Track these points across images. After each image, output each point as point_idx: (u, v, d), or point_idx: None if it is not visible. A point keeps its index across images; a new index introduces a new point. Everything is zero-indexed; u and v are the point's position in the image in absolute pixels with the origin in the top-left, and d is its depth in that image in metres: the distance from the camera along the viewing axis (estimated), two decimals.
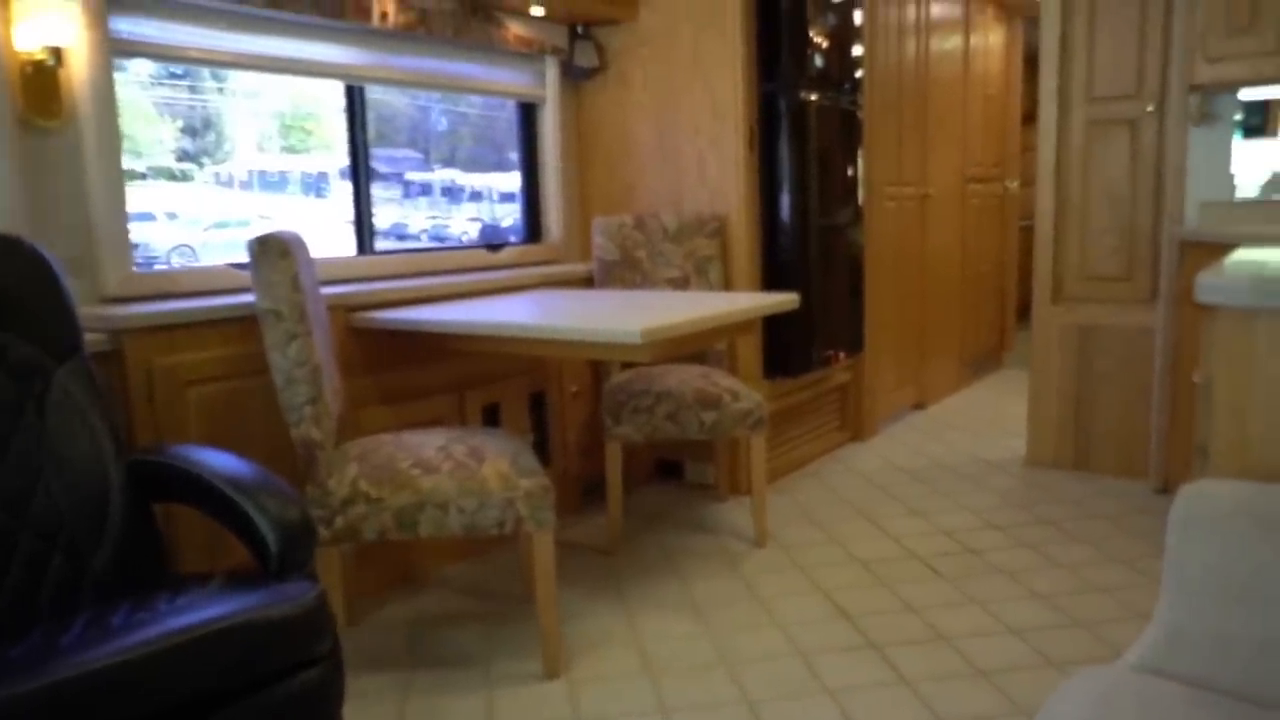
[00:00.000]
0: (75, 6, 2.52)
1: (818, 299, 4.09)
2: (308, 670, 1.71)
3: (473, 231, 4.26)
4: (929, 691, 2.38)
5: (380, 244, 3.60)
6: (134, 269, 2.74)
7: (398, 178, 3.90)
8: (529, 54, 3.97)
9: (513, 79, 3.97)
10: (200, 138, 3.29)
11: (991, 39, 6.09)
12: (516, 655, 2.64)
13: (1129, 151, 3.96)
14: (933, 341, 5.49)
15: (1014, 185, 6.59)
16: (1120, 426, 4.05)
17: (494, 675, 2.53)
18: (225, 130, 3.38)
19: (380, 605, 2.98)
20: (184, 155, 3.23)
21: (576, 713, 2.34)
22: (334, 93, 3.44)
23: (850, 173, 4.35)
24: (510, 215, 4.27)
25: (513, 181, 4.23)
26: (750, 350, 3.54)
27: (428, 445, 2.53)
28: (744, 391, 3.37)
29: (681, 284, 3.82)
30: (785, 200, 3.93)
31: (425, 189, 4.07)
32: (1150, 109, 3.89)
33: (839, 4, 4.17)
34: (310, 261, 2.58)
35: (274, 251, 2.31)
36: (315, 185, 3.73)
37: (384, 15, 3.31)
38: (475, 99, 4.09)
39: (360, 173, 3.47)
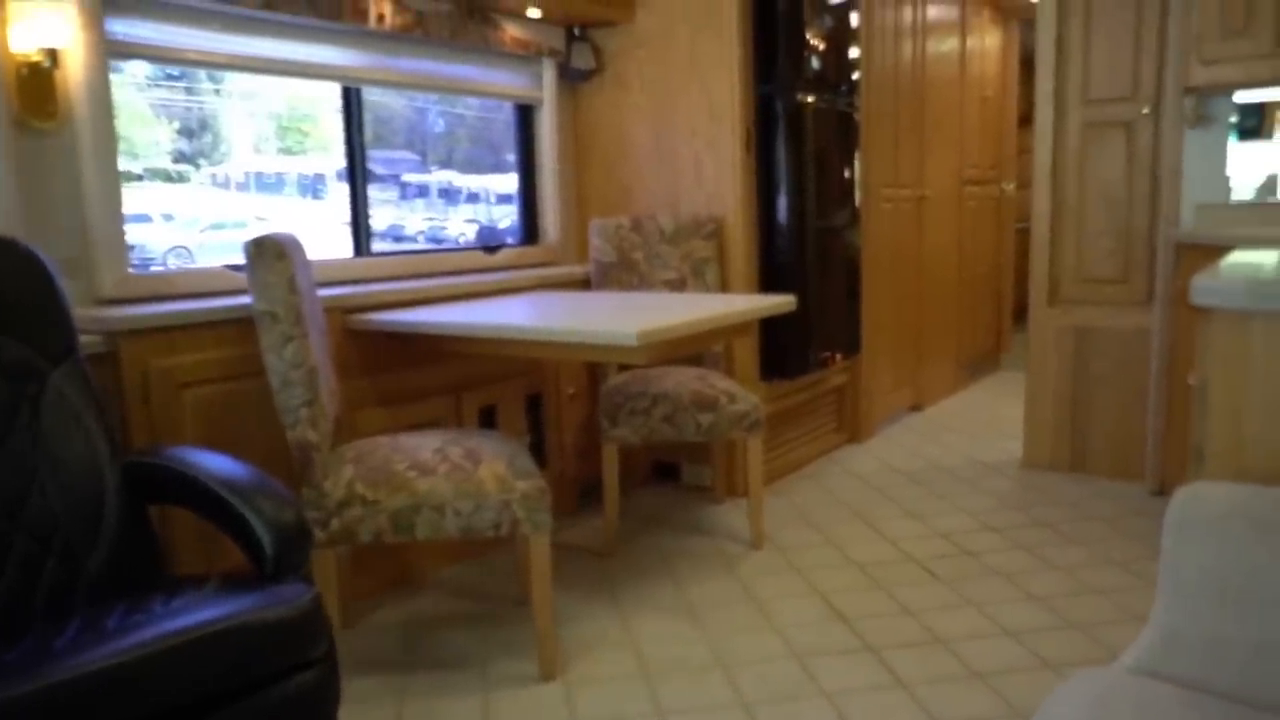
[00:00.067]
0: (71, 8, 2.52)
1: (814, 301, 4.09)
2: (303, 673, 1.71)
3: (470, 233, 4.26)
4: (925, 694, 2.38)
5: (377, 246, 3.60)
6: (130, 270, 2.73)
7: (394, 179, 3.89)
8: (526, 56, 3.97)
9: (509, 81, 3.97)
10: (197, 139, 3.29)
11: (988, 41, 6.10)
12: (513, 657, 2.63)
13: (1125, 154, 3.97)
14: (929, 343, 5.49)
15: (1010, 187, 6.60)
16: (1116, 429, 4.06)
17: (490, 677, 2.53)
18: (222, 132, 3.38)
19: (376, 607, 2.98)
20: (180, 157, 3.22)
21: (573, 714, 2.34)
22: (331, 94, 3.44)
23: (847, 175, 4.36)
24: (507, 217, 4.27)
25: (510, 183, 4.23)
26: (747, 352, 3.54)
27: (424, 447, 2.52)
28: (741, 393, 3.37)
29: (678, 286, 3.83)
30: (782, 202, 3.94)
31: (422, 190, 4.07)
32: (1146, 111, 3.89)
33: (836, 6, 4.17)
34: (307, 263, 2.58)
35: (270, 253, 2.31)
36: (312, 187, 3.72)
37: (381, 17, 3.31)
38: (472, 101, 4.09)
39: (357, 174, 3.47)
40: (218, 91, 3.32)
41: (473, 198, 4.29)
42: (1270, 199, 3.88)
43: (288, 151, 3.64)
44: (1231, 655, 1.37)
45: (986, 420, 5.22)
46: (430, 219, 4.11)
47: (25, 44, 2.42)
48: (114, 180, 2.65)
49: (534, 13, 3.82)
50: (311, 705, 1.73)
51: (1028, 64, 4.75)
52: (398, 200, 3.93)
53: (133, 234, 2.84)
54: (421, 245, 4.02)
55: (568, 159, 4.21)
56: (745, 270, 3.86)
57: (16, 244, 2.04)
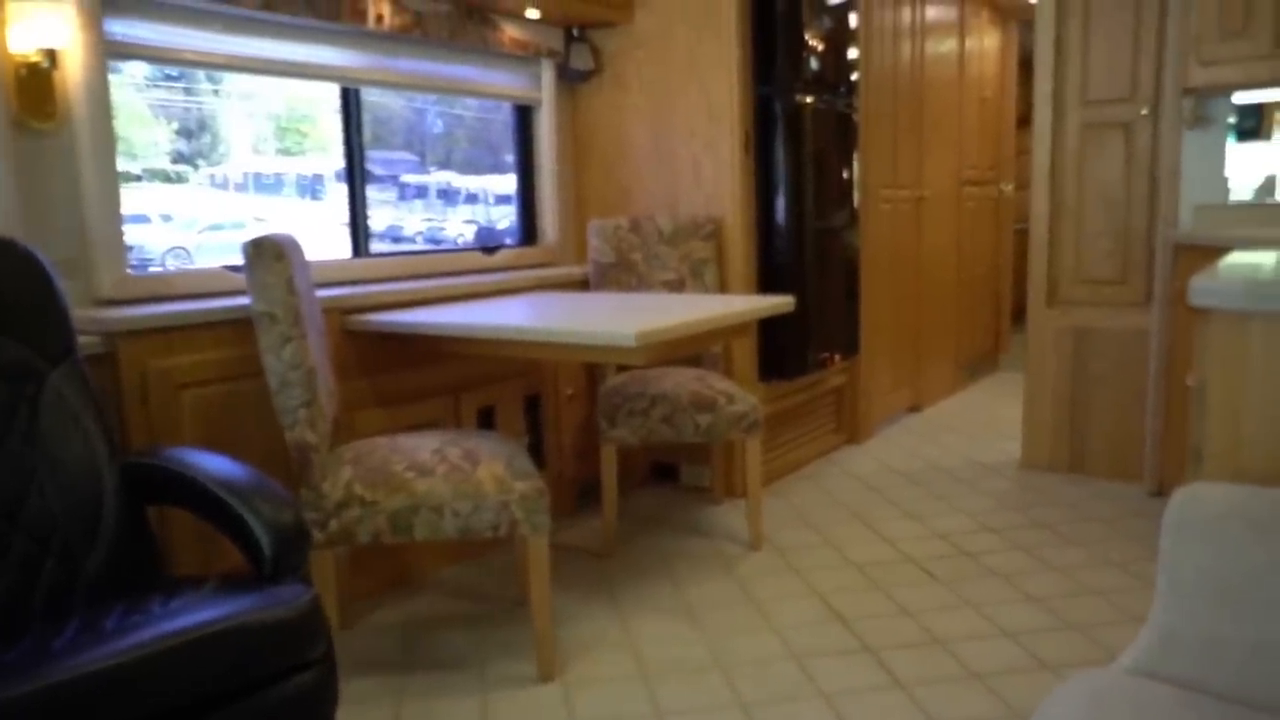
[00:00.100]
0: (70, 9, 2.51)
1: (813, 302, 4.09)
2: (301, 674, 1.71)
3: (468, 234, 4.26)
4: (923, 695, 2.38)
5: (375, 246, 3.60)
6: (128, 271, 2.73)
7: (393, 180, 3.89)
8: (524, 57, 3.97)
9: (508, 81, 3.98)
10: (195, 140, 3.29)
11: (986, 42, 6.10)
12: (511, 658, 2.63)
13: (1123, 155, 3.97)
14: (928, 344, 5.49)
15: (1009, 188, 6.60)
16: (1115, 429, 4.06)
17: (489, 678, 2.53)
18: (220, 132, 3.38)
19: (374, 608, 2.98)
20: (179, 157, 3.22)
21: (571, 715, 2.34)
22: (329, 95, 3.44)
23: (845, 175, 4.36)
24: (506, 218, 4.27)
25: (508, 184, 4.23)
26: (746, 353, 3.54)
27: (422, 448, 2.52)
28: (739, 394, 3.37)
29: (677, 286, 3.83)
30: (781, 203, 3.94)
31: (421, 191, 4.07)
32: (1144, 112, 3.90)
33: (834, 7, 4.18)
34: (305, 264, 2.58)
35: (269, 254, 2.31)
36: (310, 187, 3.73)
37: (379, 18, 3.31)
38: (471, 101, 4.09)
39: (356, 175, 3.47)
40: (216, 92, 3.32)
41: (471, 198, 4.29)
42: (1269, 200, 3.88)
43: (286, 152, 3.64)
44: (1228, 655, 1.37)
45: (985, 421, 5.23)
46: (429, 220, 4.11)
47: (24, 44, 2.42)
48: (112, 181, 2.65)
49: (533, 13, 3.82)
50: (310, 706, 1.73)
51: (1026, 65, 4.75)
52: (396, 201, 3.93)
53: (131, 234, 2.84)
54: (420, 246, 4.02)
55: (566, 160, 4.21)
56: (744, 271, 3.86)
57: (15, 244, 2.04)
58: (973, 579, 3.09)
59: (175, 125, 3.20)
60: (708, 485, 4.03)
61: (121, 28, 2.68)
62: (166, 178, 3.18)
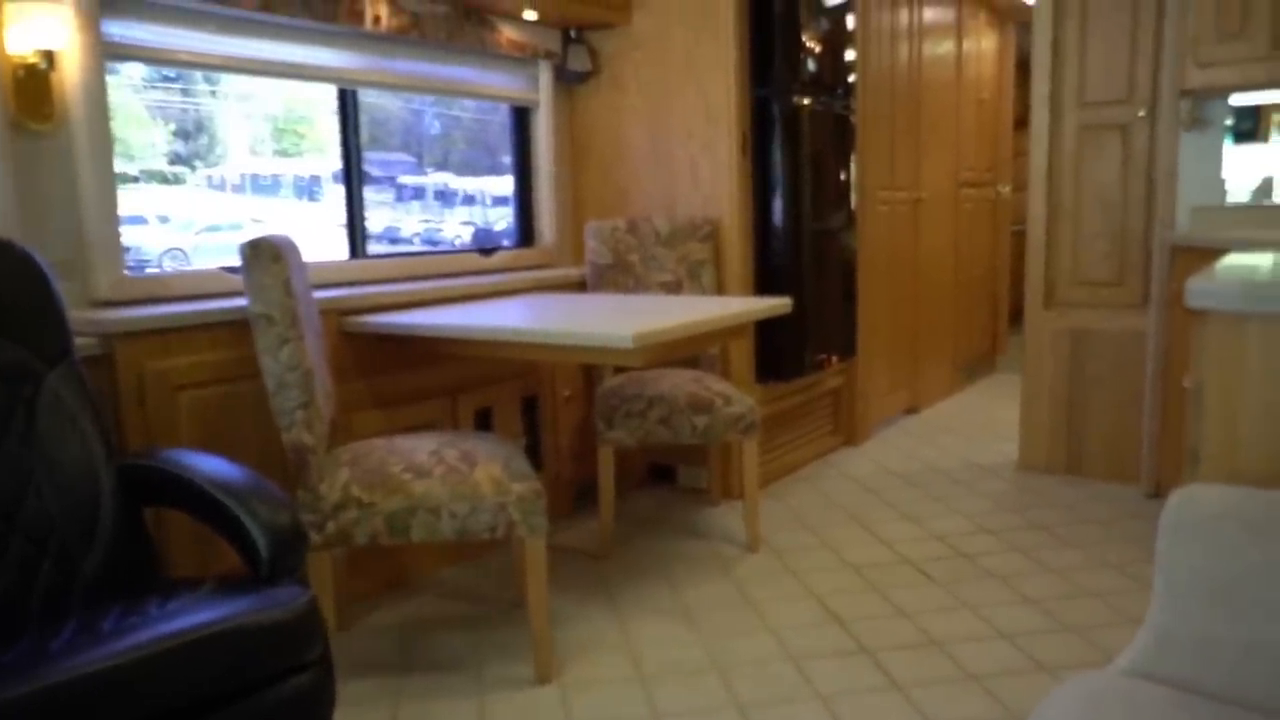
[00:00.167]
0: (68, 10, 2.51)
1: (810, 303, 4.09)
2: (299, 675, 1.71)
3: (465, 235, 4.26)
4: (920, 696, 2.38)
5: (373, 248, 3.59)
6: (125, 272, 2.73)
7: (390, 181, 3.89)
8: (522, 58, 3.97)
9: (506, 83, 3.98)
10: (192, 141, 3.29)
11: (984, 44, 6.11)
12: (508, 660, 2.63)
13: (1120, 156, 3.97)
14: (925, 346, 5.49)
15: (1006, 190, 6.61)
16: (1112, 431, 4.06)
17: (486, 680, 2.53)
18: (218, 133, 3.38)
19: (371, 610, 2.98)
20: (176, 158, 3.22)
21: (569, 717, 2.34)
22: (327, 96, 3.44)
23: (843, 177, 4.36)
24: (503, 219, 4.27)
25: (505, 185, 4.23)
26: (743, 354, 3.54)
27: (420, 449, 2.52)
28: (736, 396, 3.37)
29: (674, 288, 3.83)
30: (778, 204, 3.94)
31: (418, 193, 4.07)
32: (1142, 114, 3.90)
33: (832, 9, 4.18)
34: (302, 265, 2.58)
35: (266, 255, 2.31)
36: (308, 189, 3.73)
37: (377, 19, 3.31)
38: (468, 103, 4.09)
39: (353, 176, 3.47)
40: (213, 93, 3.32)
41: (469, 200, 4.29)
42: (1266, 201, 3.89)
43: (283, 153, 3.64)
44: (1223, 656, 1.38)
45: (982, 423, 5.23)
46: (426, 221, 4.11)
47: (21, 46, 2.42)
48: (110, 182, 2.65)
49: (530, 15, 3.82)
50: (307, 708, 1.73)
51: (1024, 67, 4.76)
52: (394, 202, 3.93)
53: (128, 236, 2.84)
54: (417, 247, 4.02)
55: (564, 161, 4.21)
56: (741, 272, 3.86)
57: (12, 245, 2.04)
58: (970, 580, 3.09)
59: (172, 126, 3.20)
60: (705, 487, 4.03)
61: (119, 29, 2.68)
62: (164, 179, 3.18)
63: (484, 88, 3.89)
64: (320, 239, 3.49)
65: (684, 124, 3.90)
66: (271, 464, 2.57)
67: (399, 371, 3.07)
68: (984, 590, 3.01)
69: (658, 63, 3.94)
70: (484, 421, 3.40)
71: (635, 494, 4.07)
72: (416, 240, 4.06)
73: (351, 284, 3.27)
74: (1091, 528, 3.53)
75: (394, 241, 3.91)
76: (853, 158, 4.44)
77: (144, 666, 1.50)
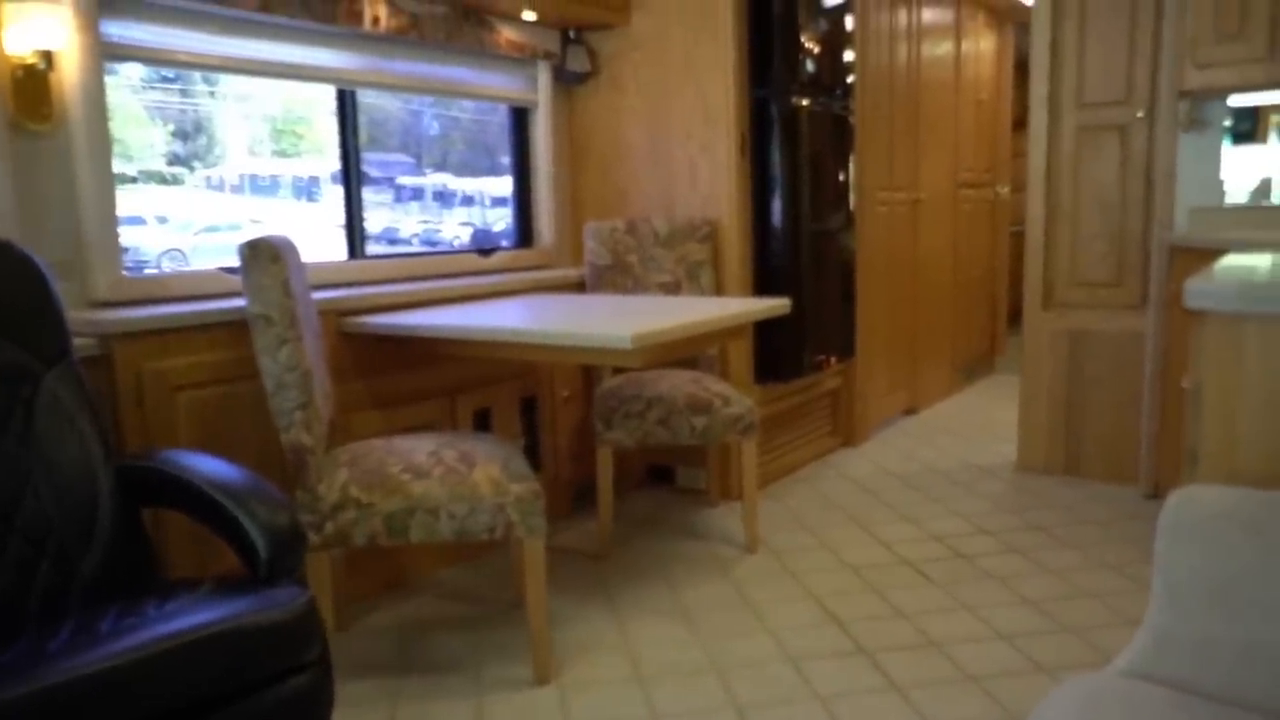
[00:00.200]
0: (66, 10, 2.51)
1: (809, 304, 4.10)
2: (297, 676, 1.71)
3: (464, 236, 4.26)
4: (919, 697, 2.38)
5: (371, 248, 3.59)
6: (124, 273, 2.73)
7: (389, 182, 3.89)
8: (521, 59, 3.97)
9: (505, 83, 3.98)
10: (191, 141, 3.29)
11: (983, 45, 6.11)
12: (507, 661, 2.63)
13: (1119, 157, 3.98)
14: (924, 346, 5.49)
15: (1005, 190, 6.61)
16: (1110, 431, 4.06)
17: (484, 681, 2.53)
18: (216, 134, 3.38)
19: (370, 610, 2.98)
20: (175, 159, 3.22)
21: (567, 718, 2.34)
22: (325, 97, 3.44)
23: (842, 178, 4.36)
24: (502, 220, 4.27)
25: (504, 186, 4.23)
26: (742, 355, 3.54)
27: (418, 450, 2.52)
28: (735, 396, 3.37)
29: (673, 289, 3.83)
30: (777, 205, 3.94)
31: (417, 193, 4.07)
32: (1140, 115, 3.90)
33: (831, 9, 4.18)
34: (301, 266, 2.58)
35: (265, 256, 2.31)
36: (306, 189, 3.72)
37: (375, 20, 3.31)
38: (467, 103, 4.09)
39: (352, 177, 3.47)
40: (212, 94, 3.32)
41: (467, 200, 4.29)
42: (1264, 202, 3.89)
43: (282, 154, 3.64)
44: (1220, 657, 1.38)
45: (981, 423, 5.23)
46: (425, 222, 4.11)
47: (20, 46, 2.42)
48: (108, 182, 2.65)
49: (529, 15, 3.82)
50: (305, 709, 1.73)
51: (1022, 67, 4.76)
52: (392, 203, 3.93)
53: (127, 236, 2.84)
54: (416, 248, 4.02)
55: (563, 162, 4.21)
56: (740, 273, 3.87)
57: (11, 246, 2.03)
58: (968, 581, 3.09)
59: (171, 127, 3.20)
60: (704, 488, 4.03)
61: (118, 29, 2.68)
62: (162, 179, 3.17)
63: (483, 88, 3.89)
64: (319, 240, 3.49)
65: (683, 125, 3.91)
66: (270, 465, 2.57)
67: (398, 372, 3.07)
68: (982, 591, 3.01)
69: (657, 63, 3.94)
70: (483, 422, 3.40)
71: (634, 495, 4.07)
72: (415, 241, 4.06)
73: (350, 285, 3.27)
74: (1090, 528, 3.54)
75: (393, 242, 3.91)
76: (851, 158, 4.44)
77: (142, 667, 1.50)
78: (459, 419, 3.29)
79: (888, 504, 3.89)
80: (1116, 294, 4.02)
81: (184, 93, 3.21)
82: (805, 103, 3.98)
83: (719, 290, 3.87)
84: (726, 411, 3.32)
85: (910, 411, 5.46)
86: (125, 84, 2.98)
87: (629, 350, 2.45)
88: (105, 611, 1.77)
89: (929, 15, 5.28)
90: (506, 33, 3.84)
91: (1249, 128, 3.92)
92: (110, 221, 2.66)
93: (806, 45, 3.99)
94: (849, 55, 4.38)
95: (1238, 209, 3.83)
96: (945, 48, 5.56)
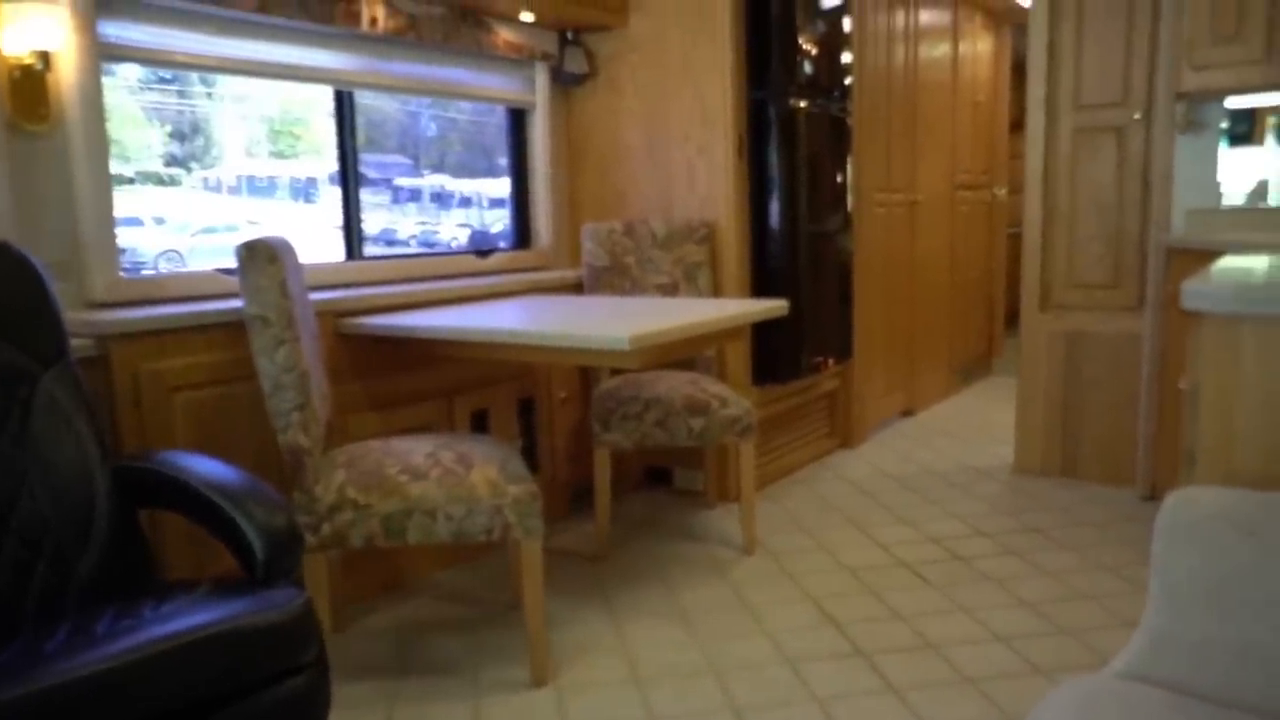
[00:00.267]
0: (64, 11, 2.51)
1: (807, 305, 4.10)
2: (294, 678, 1.71)
3: (462, 237, 4.26)
4: (916, 699, 2.38)
5: (369, 250, 3.59)
6: (121, 274, 2.73)
7: (387, 183, 3.89)
8: (519, 60, 3.97)
9: (502, 84, 3.98)
10: (188, 142, 3.28)
11: (980, 46, 6.12)
12: (504, 662, 2.63)
13: (1116, 159, 3.98)
14: (922, 348, 5.50)
15: (1002, 192, 6.62)
16: (1108, 433, 4.07)
17: (482, 682, 2.53)
18: (214, 135, 3.37)
19: (367, 612, 2.97)
20: (172, 160, 3.22)
21: None
22: (323, 98, 3.44)
23: (839, 179, 4.37)
24: (500, 221, 4.27)
25: (502, 187, 4.23)
26: (739, 357, 3.54)
27: (416, 451, 2.52)
28: (733, 398, 3.37)
29: (671, 290, 3.83)
30: (774, 207, 3.94)
31: (414, 194, 4.07)
32: (1137, 117, 3.91)
33: (828, 11, 4.18)
34: (298, 267, 2.57)
35: (262, 257, 2.31)
36: (304, 190, 3.72)
37: (373, 20, 3.31)
38: (465, 104, 4.09)
39: (349, 178, 3.47)
40: (210, 95, 3.32)
41: (465, 202, 4.29)
42: (1261, 204, 3.90)
43: (280, 155, 3.64)
44: (1217, 658, 1.38)
45: (978, 425, 5.23)
46: (422, 223, 4.11)
47: (17, 46, 2.42)
48: (105, 183, 2.65)
49: (527, 16, 3.82)
50: (302, 710, 1.72)
51: (1019, 69, 4.76)
52: (390, 204, 3.93)
53: (124, 237, 2.84)
54: (414, 249, 4.02)
55: (560, 163, 4.21)
56: (737, 275, 3.87)
57: (8, 247, 2.03)
58: (965, 583, 3.09)
59: (168, 128, 3.20)
60: (701, 489, 4.03)
61: (115, 30, 2.68)
62: (159, 180, 3.17)
63: (480, 89, 3.89)
64: (316, 241, 3.49)
65: (681, 126, 3.91)
66: (267, 466, 2.56)
67: (395, 373, 3.07)
68: (980, 593, 3.01)
69: (654, 65, 3.94)
70: (480, 423, 3.40)
71: (631, 496, 4.07)
72: (413, 242, 4.06)
73: (348, 286, 3.27)
74: (1087, 530, 3.54)
75: (390, 243, 3.90)
76: (849, 160, 4.44)
77: (139, 669, 1.50)
78: (456, 420, 3.29)
79: (885, 506, 3.89)
80: (1113, 296, 4.02)
81: (181, 94, 3.21)
82: (803, 104, 3.98)
83: (717, 292, 3.87)
84: (724, 413, 3.31)
85: (908, 413, 5.46)
86: (123, 85, 2.97)
87: (627, 351, 2.45)
88: (102, 613, 1.77)
89: (926, 17, 5.28)
90: (504, 34, 3.84)
91: (1246, 130, 3.93)
92: (107, 222, 2.66)
93: (804, 47, 3.99)
94: (846, 57, 4.38)
95: (1234, 211, 3.84)
96: (943, 49, 5.56)
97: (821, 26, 4.13)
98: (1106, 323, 4.04)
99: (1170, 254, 3.71)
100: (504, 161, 4.20)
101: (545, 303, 3.37)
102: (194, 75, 3.15)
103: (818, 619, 2.85)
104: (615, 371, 3.62)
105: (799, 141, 3.96)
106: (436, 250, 4.05)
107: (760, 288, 3.97)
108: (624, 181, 4.10)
